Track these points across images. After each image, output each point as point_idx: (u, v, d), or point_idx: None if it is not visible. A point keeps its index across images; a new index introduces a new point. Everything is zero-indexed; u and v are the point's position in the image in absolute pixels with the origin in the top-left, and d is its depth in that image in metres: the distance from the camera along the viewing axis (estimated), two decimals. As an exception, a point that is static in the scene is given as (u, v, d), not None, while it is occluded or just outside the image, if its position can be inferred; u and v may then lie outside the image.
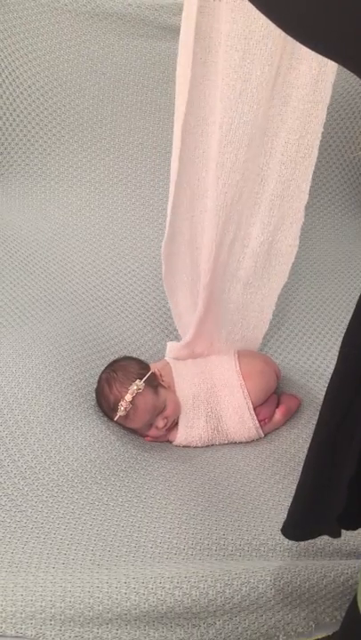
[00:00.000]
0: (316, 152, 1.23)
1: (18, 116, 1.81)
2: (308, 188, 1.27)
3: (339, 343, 1.59)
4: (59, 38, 1.78)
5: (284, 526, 0.84)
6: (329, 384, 0.73)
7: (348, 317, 1.67)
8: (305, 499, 0.78)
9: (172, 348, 1.43)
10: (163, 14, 1.80)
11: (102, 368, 1.32)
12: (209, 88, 1.17)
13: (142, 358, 1.44)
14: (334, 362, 1.55)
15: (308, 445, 1.29)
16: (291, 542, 1.07)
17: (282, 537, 1.08)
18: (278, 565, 1.03)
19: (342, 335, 1.61)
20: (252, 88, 1.14)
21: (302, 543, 1.08)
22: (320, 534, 0.85)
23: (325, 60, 1.12)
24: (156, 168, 1.89)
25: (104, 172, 1.89)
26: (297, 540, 0.93)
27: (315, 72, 1.15)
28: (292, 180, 1.25)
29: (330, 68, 1.15)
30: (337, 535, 0.84)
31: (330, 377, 0.73)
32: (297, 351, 1.51)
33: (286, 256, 1.33)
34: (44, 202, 1.86)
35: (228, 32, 1.10)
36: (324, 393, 1.40)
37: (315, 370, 1.45)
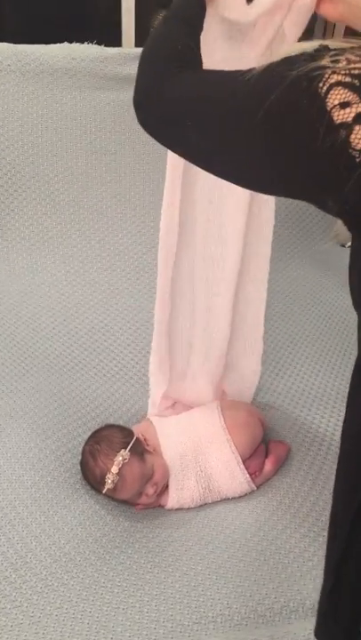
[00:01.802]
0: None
1: (-28, 180, 1.79)
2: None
3: (319, 381, 1.57)
4: (6, 99, 1.77)
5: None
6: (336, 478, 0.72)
7: (326, 353, 1.65)
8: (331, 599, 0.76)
9: (153, 407, 1.41)
10: (108, 65, 1.80)
11: (84, 437, 1.28)
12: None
13: (124, 418, 1.42)
14: (317, 400, 1.53)
15: (301, 494, 1.27)
16: (297, 604, 1.05)
17: (287, 599, 1.06)
18: (285, 631, 1.01)
19: (322, 373, 1.60)
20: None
21: (308, 602, 1.06)
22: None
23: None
24: (117, 217, 1.87)
25: (66, 226, 1.87)
26: None
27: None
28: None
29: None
30: None
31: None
32: (279, 392, 1.49)
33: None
34: (7, 263, 1.83)
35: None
36: (310, 434, 1.39)
37: (299, 412, 1.43)
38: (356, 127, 0.51)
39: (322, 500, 1.22)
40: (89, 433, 1.29)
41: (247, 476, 1.25)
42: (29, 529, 1.12)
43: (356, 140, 0.51)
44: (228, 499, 1.27)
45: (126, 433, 1.24)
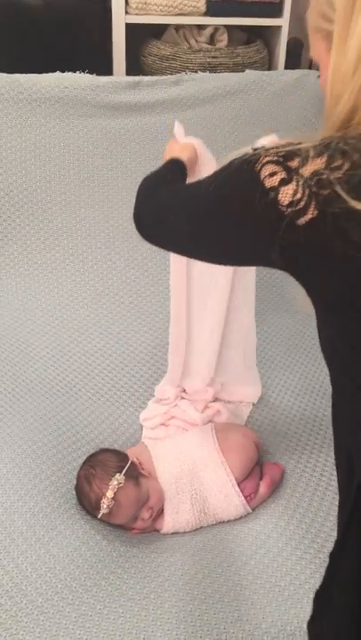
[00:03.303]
0: None
1: (-34, 207, 1.80)
2: None
3: (312, 404, 1.57)
4: (0, 127, 1.79)
5: None
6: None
7: (318, 376, 1.66)
8: None
9: (147, 430, 1.41)
10: (100, 93, 1.83)
11: (79, 462, 1.29)
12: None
13: (119, 442, 1.42)
14: (310, 422, 1.53)
15: (296, 517, 1.27)
16: (294, 627, 1.04)
17: (284, 623, 1.06)
18: (284, 656, 1.00)
19: (315, 395, 1.60)
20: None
21: (305, 626, 1.05)
22: None
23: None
24: (109, 242, 1.89)
25: (59, 250, 1.88)
26: None
27: None
28: None
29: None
30: None
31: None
32: (273, 414, 1.50)
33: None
34: (0, 288, 1.84)
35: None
36: (305, 456, 1.38)
37: (293, 433, 1.44)
38: (282, 188, 0.67)
39: (317, 522, 1.22)
40: (84, 457, 1.29)
41: (242, 498, 1.25)
42: (24, 555, 1.11)
43: (283, 198, 0.66)
44: (224, 522, 1.27)
45: (121, 457, 1.24)
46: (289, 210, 0.65)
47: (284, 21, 2.03)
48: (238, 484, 1.26)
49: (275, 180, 0.66)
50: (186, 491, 1.26)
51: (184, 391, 1.54)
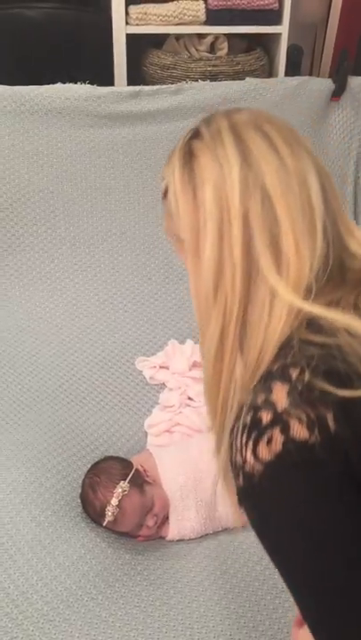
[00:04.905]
0: None
1: (-30, 218, 1.81)
2: None
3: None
4: (2, 138, 1.80)
5: None
6: None
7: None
8: None
9: (152, 437, 1.41)
10: (101, 104, 1.85)
11: (84, 470, 1.29)
12: None
13: (124, 450, 1.42)
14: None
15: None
16: (300, 634, 1.04)
17: (291, 630, 1.05)
18: (291, 662, 1.00)
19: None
20: None
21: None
22: None
23: None
24: (113, 251, 1.90)
25: (62, 260, 1.89)
26: None
27: None
28: None
29: None
30: None
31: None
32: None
33: None
34: (4, 299, 1.85)
35: None
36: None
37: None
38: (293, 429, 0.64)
39: (323, 527, 1.21)
40: (88, 465, 1.29)
41: (247, 504, 1.25)
42: (30, 564, 1.11)
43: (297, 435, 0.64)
44: (229, 529, 1.26)
45: (125, 464, 1.24)
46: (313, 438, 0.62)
47: (283, 29, 2.04)
48: (243, 490, 1.26)
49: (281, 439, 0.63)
50: (191, 497, 1.25)
51: (189, 398, 1.55)
